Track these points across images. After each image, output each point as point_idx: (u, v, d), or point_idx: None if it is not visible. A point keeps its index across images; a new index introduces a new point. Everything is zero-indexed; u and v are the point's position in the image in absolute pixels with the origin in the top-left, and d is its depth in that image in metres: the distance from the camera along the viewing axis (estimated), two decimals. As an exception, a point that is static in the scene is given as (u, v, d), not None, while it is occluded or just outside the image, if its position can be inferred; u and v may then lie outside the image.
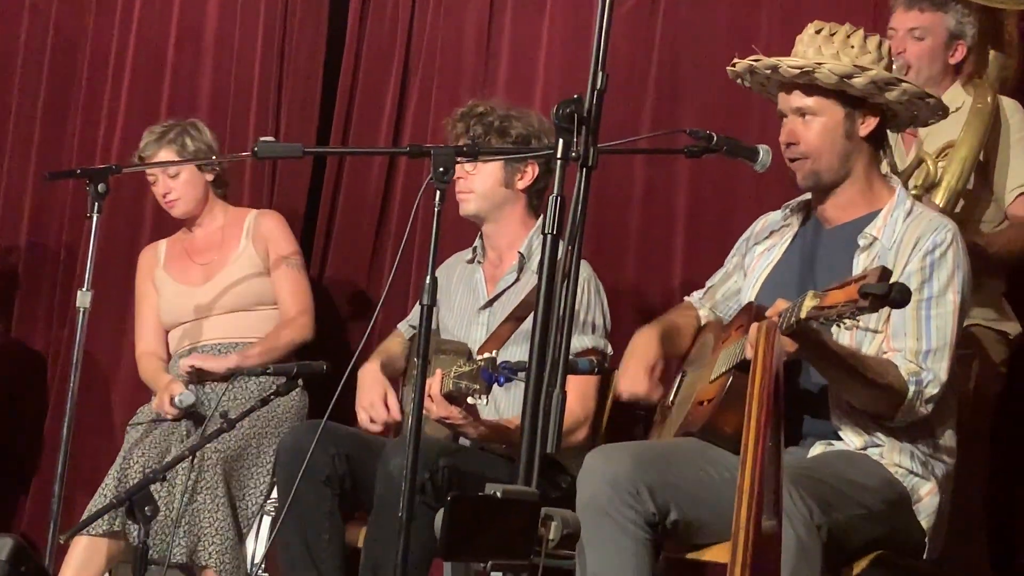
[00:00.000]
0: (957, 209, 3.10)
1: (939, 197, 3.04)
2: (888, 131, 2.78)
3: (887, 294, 2.11)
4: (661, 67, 3.90)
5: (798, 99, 2.68)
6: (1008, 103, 3.20)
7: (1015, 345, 3.21)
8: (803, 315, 2.28)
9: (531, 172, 3.26)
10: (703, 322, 2.99)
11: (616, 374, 2.88)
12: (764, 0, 3.81)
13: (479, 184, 3.25)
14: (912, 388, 2.51)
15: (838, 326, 2.33)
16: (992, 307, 3.16)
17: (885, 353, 2.57)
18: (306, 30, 4.37)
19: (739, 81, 2.84)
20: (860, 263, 2.62)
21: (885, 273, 2.14)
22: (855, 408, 2.59)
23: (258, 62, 4.35)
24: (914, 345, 2.55)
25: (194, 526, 3.37)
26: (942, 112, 2.76)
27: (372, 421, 3.18)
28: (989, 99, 3.14)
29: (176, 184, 3.76)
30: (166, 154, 3.74)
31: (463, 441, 3.13)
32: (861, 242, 2.65)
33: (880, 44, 2.67)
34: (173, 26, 4.45)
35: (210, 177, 3.83)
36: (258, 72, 4.35)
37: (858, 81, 2.60)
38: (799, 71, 2.62)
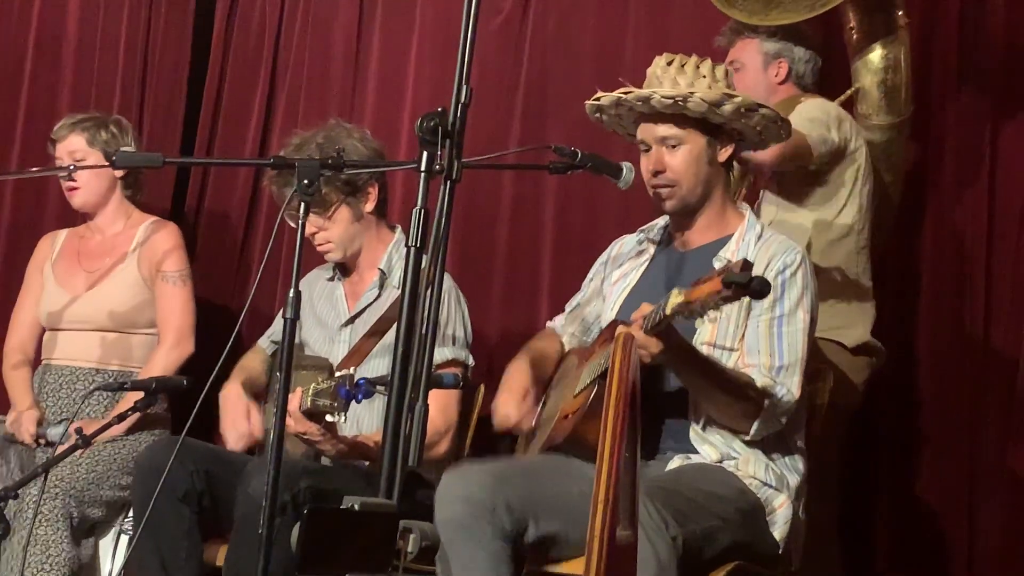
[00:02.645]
0: None
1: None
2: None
3: (748, 283, 2.18)
4: (529, 84, 3.95)
5: (664, 129, 2.74)
6: (807, 106, 3.31)
7: (863, 354, 3.31)
8: (668, 311, 2.34)
9: (373, 193, 3.25)
10: (567, 348, 3.02)
11: (493, 404, 2.89)
12: (630, 21, 3.88)
13: (335, 233, 3.23)
14: (767, 401, 2.60)
15: (701, 318, 2.38)
16: (833, 316, 3.24)
17: (743, 369, 2.64)
18: (170, 38, 4.30)
19: (596, 115, 2.87)
20: None
21: (747, 264, 2.21)
22: (713, 422, 2.65)
23: (120, 70, 4.27)
24: (767, 361, 2.64)
25: (32, 549, 3.24)
26: (787, 134, 2.85)
27: (238, 441, 3.14)
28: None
29: (80, 172, 3.59)
30: (76, 140, 3.60)
31: (324, 460, 3.11)
32: (716, 264, 2.70)
33: (727, 73, 2.78)
34: (32, 32, 4.35)
35: (119, 173, 3.66)
36: (120, 80, 4.27)
37: (726, 108, 2.68)
38: (672, 101, 2.68)
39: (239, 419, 3.13)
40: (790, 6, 3.36)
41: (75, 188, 3.65)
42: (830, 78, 3.53)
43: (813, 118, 3.24)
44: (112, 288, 3.63)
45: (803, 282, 2.69)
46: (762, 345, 2.64)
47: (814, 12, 3.32)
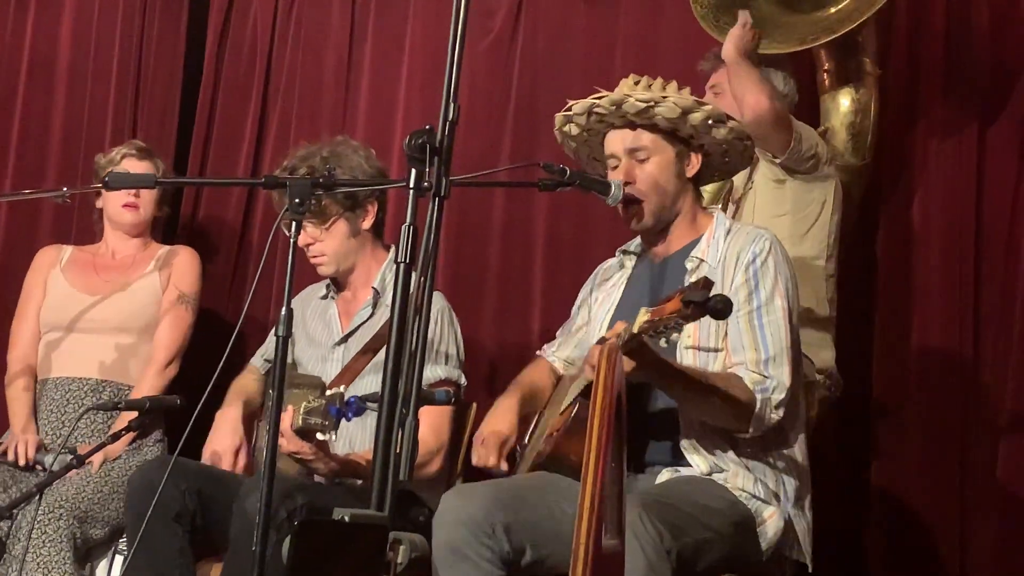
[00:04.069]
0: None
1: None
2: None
3: (706, 301, 2.16)
4: (519, 102, 3.98)
5: (633, 138, 2.75)
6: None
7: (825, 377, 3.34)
8: (636, 330, 2.33)
9: (372, 210, 3.27)
10: (560, 373, 3.02)
11: (475, 437, 2.86)
12: (618, 40, 3.92)
13: (330, 246, 3.24)
14: (759, 397, 2.57)
15: (665, 341, 2.34)
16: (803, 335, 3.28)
17: (730, 368, 2.63)
18: (162, 61, 4.33)
19: (566, 129, 2.87)
20: None
21: (707, 283, 2.20)
22: (700, 435, 2.65)
23: (112, 93, 4.30)
24: (753, 355, 2.62)
25: (33, 572, 3.24)
26: (750, 158, 2.88)
27: (220, 465, 3.14)
28: None
29: (145, 195, 3.69)
30: (150, 167, 3.69)
31: (318, 478, 3.11)
32: (688, 265, 2.73)
33: (690, 94, 2.76)
34: (25, 56, 4.37)
35: (159, 213, 3.78)
36: (113, 103, 4.29)
37: (696, 116, 2.69)
38: (645, 105, 2.69)
39: (227, 455, 3.13)
40: (780, 38, 3.42)
41: (136, 205, 3.69)
42: (800, 117, 3.57)
43: (808, 127, 3.30)
44: (133, 294, 3.65)
45: (775, 268, 2.66)
46: (745, 340, 2.62)
47: (804, 46, 3.42)
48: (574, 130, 2.86)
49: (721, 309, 2.17)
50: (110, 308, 3.63)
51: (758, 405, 2.57)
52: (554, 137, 3.81)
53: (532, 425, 2.95)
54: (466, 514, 2.49)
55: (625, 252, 2.94)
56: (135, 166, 3.68)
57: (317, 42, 4.21)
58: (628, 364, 2.40)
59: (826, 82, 3.56)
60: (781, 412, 2.60)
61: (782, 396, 2.59)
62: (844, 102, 3.51)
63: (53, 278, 3.72)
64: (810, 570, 2.72)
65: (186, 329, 3.66)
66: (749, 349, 2.61)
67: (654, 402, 2.68)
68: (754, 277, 2.65)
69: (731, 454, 2.64)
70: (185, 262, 3.73)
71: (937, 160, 3.65)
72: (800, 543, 2.69)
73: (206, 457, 3.16)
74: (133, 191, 3.67)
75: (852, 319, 3.49)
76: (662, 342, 2.32)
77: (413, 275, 1.95)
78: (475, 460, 2.79)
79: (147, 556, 2.94)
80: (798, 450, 2.72)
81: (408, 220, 1.98)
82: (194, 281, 3.72)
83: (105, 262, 3.75)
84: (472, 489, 2.63)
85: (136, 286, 3.67)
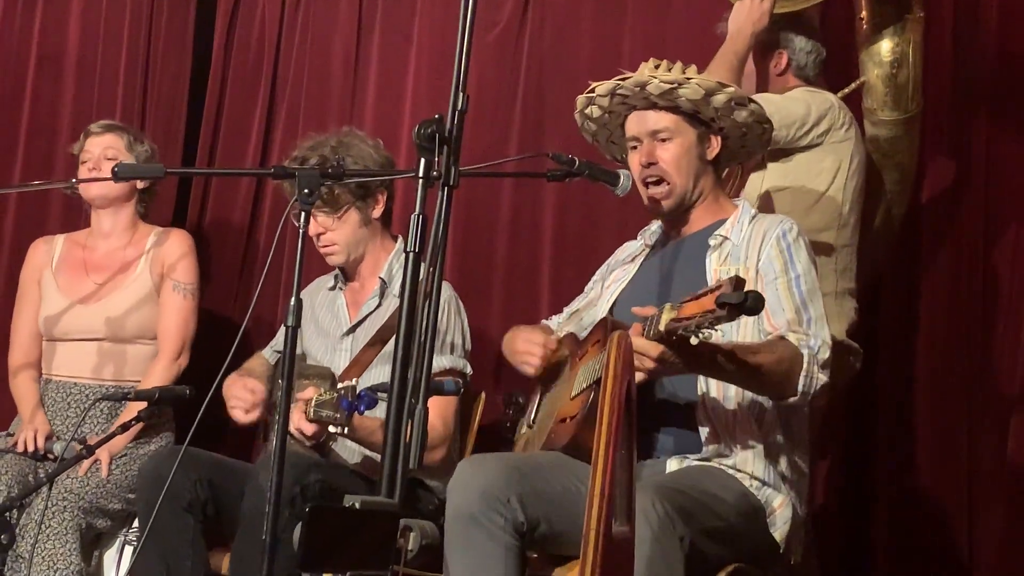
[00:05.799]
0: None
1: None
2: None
3: (743, 302, 2.14)
4: (527, 95, 3.98)
5: (655, 120, 2.76)
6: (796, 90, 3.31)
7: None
8: (661, 327, 2.32)
9: (382, 199, 3.28)
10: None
11: (513, 354, 2.93)
12: (626, 31, 3.92)
13: (341, 236, 3.25)
14: (806, 353, 2.57)
15: (695, 339, 2.34)
16: None
17: (769, 334, 2.63)
18: (170, 54, 4.34)
19: (587, 111, 2.87)
20: (712, 261, 2.72)
21: (740, 282, 2.17)
22: (709, 422, 2.64)
23: (121, 85, 4.31)
24: (795, 316, 2.62)
25: (39, 565, 3.25)
26: (768, 142, 2.87)
27: (246, 412, 3.12)
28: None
29: (107, 169, 3.54)
30: (115, 140, 3.64)
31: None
32: (712, 242, 2.75)
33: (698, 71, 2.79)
34: (33, 49, 4.38)
35: (141, 185, 3.70)
36: (121, 95, 4.30)
37: (719, 98, 2.71)
38: (669, 86, 2.70)
39: (241, 393, 3.11)
40: None
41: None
42: (843, 71, 3.49)
43: (795, 97, 3.24)
44: (125, 297, 3.63)
45: (806, 248, 2.70)
46: (785, 304, 2.62)
47: (810, 2, 3.32)
48: (595, 112, 2.87)
49: (755, 307, 2.14)
50: (99, 317, 3.61)
51: (805, 362, 2.56)
52: (562, 128, 3.86)
53: (535, 404, 2.95)
54: (481, 482, 2.49)
55: (644, 237, 2.96)
56: (95, 143, 3.63)
57: (325, 34, 4.22)
58: (654, 349, 2.36)
59: (863, 31, 3.39)
60: (827, 374, 2.58)
61: (827, 355, 2.59)
62: (881, 52, 3.35)
63: (46, 280, 3.71)
64: (793, 562, 2.73)
65: (188, 316, 3.64)
66: (790, 311, 2.62)
67: (663, 390, 2.68)
68: (788, 250, 2.67)
69: (737, 445, 2.64)
70: (176, 250, 3.67)
71: (945, 149, 3.64)
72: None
73: (233, 413, 3.12)
74: (92, 165, 3.60)
75: (857, 311, 3.48)
76: (692, 340, 2.30)
77: (422, 264, 1.95)
78: (530, 370, 2.85)
79: (158, 545, 2.96)
80: (801, 448, 2.71)
81: (417, 209, 1.99)
82: (188, 267, 3.67)
83: (96, 258, 3.71)
84: (487, 459, 2.63)
85: (126, 288, 3.64)
